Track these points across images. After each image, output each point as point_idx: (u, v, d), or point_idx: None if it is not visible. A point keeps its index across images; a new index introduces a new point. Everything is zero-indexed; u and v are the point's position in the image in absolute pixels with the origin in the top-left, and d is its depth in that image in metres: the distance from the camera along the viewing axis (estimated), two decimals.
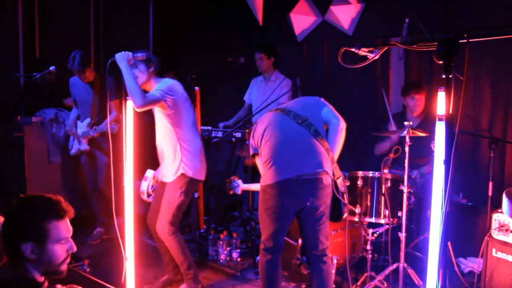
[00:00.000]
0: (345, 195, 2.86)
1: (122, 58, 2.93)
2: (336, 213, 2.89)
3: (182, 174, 3.25)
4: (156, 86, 3.16)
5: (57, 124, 4.78)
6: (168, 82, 3.17)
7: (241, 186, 3.41)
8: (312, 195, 2.76)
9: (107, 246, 4.40)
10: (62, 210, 1.77)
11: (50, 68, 3.89)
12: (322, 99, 3.02)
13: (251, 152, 3.03)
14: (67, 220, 1.80)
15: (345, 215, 2.92)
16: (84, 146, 4.44)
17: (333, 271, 3.07)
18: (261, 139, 2.91)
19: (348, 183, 3.49)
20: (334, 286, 2.94)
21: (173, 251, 3.33)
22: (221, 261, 4.03)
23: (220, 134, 4.32)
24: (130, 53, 2.96)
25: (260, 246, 2.96)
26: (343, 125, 2.88)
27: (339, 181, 2.84)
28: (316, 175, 2.76)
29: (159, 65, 3.25)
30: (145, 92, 3.10)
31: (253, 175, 4.82)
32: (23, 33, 5.26)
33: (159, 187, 3.42)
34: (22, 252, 1.69)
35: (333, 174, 2.84)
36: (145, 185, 3.42)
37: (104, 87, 4.31)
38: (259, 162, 2.98)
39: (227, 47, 5.84)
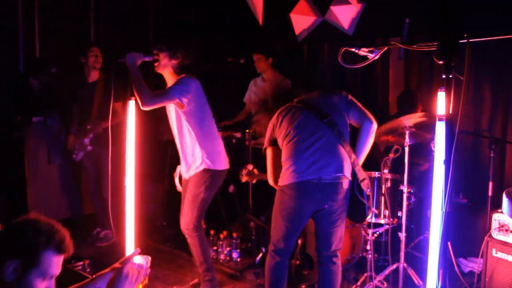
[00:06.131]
0: (370, 197, 2.80)
1: (132, 58, 2.96)
2: (359, 215, 2.87)
3: (205, 169, 3.22)
4: (172, 86, 3.14)
5: (57, 124, 4.78)
6: (187, 80, 3.15)
7: (256, 174, 3.38)
8: (331, 199, 2.72)
9: (107, 246, 4.40)
10: (64, 246, 1.64)
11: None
12: (348, 95, 2.89)
13: (265, 145, 2.97)
14: (61, 259, 1.66)
15: (369, 217, 2.87)
16: (87, 147, 4.42)
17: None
18: (284, 137, 2.83)
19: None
20: None
21: (194, 249, 3.31)
22: (221, 261, 4.03)
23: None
24: (141, 54, 3.00)
25: (269, 248, 2.91)
26: (375, 126, 2.78)
27: (364, 183, 2.76)
28: (337, 179, 2.71)
29: (185, 65, 3.22)
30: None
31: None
32: (23, 33, 5.26)
33: (184, 184, 3.41)
34: (2, 268, 1.53)
35: (352, 176, 2.78)
36: (176, 180, 3.51)
37: (107, 88, 4.29)
38: (270, 155, 2.92)
39: (227, 48, 5.84)
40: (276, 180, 2.90)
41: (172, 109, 3.24)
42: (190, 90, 3.11)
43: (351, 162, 2.76)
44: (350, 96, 2.89)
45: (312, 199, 2.71)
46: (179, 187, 3.49)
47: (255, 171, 3.37)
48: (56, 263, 1.63)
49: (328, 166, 2.71)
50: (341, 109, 2.83)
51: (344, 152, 2.75)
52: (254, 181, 3.39)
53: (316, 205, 2.73)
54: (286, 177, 2.77)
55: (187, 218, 3.26)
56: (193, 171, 3.27)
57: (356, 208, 2.83)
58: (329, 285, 2.84)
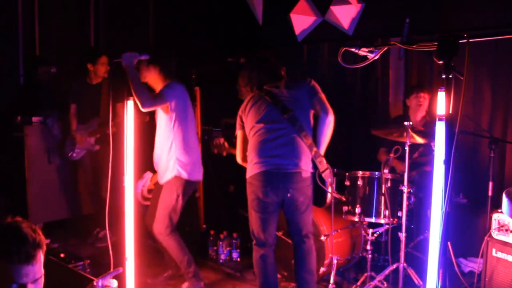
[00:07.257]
0: (331, 185, 3.02)
1: (128, 58, 2.96)
2: (320, 199, 3.17)
3: (176, 177, 3.27)
4: (162, 88, 3.19)
5: (57, 124, 4.78)
6: (174, 86, 3.22)
7: (226, 148, 3.52)
8: (292, 188, 2.87)
9: (106, 246, 4.38)
10: (13, 256, 1.49)
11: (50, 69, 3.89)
12: (313, 84, 3.01)
13: (237, 129, 3.11)
14: (20, 267, 1.50)
15: (328, 199, 3.04)
16: (94, 146, 4.42)
17: (315, 252, 3.10)
18: (249, 130, 3.00)
19: (348, 183, 3.55)
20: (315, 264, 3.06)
21: (171, 251, 3.35)
22: (221, 261, 4.03)
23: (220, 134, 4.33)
24: (137, 54, 3.00)
25: (252, 243, 3.02)
26: (331, 118, 2.92)
27: (326, 173, 2.92)
28: (295, 169, 2.86)
29: (167, 67, 3.28)
30: (150, 89, 3.17)
31: None
32: (23, 33, 5.26)
33: (156, 189, 3.43)
34: None
35: (313, 167, 2.95)
36: (140, 185, 3.47)
37: (110, 88, 4.30)
38: (240, 137, 3.08)
39: (227, 47, 5.83)
40: (243, 158, 3.09)
41: (160, 112, 3.27)
42: (175, 95, 3.19)
43: (312, 155, 2.91)
44: (315, 85, 3.02)
45: (274, 187, 2.87)
46: (140, 199, 3.49)
47: (226, 144, 3.49)
48: (12, 272, 1.50)
49: (286, 159, 2.87)
50: (305, 102, 2.97)
51: (304, 146, 2.88)
52: (224, 154, 3.52)
53: (279, 194, 2.89)
54: (250, 169, 2.96)
55: (160, 225, 3.30)
56: (167, 178, 3.30)
57: (317, 194, 3.05)
58: (302, 261, 2.97)
